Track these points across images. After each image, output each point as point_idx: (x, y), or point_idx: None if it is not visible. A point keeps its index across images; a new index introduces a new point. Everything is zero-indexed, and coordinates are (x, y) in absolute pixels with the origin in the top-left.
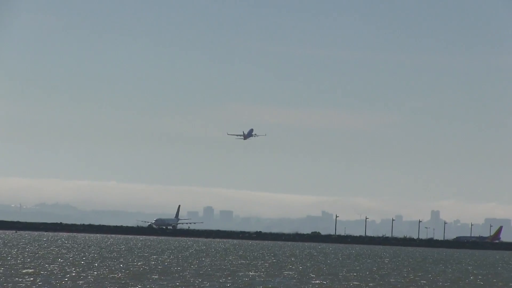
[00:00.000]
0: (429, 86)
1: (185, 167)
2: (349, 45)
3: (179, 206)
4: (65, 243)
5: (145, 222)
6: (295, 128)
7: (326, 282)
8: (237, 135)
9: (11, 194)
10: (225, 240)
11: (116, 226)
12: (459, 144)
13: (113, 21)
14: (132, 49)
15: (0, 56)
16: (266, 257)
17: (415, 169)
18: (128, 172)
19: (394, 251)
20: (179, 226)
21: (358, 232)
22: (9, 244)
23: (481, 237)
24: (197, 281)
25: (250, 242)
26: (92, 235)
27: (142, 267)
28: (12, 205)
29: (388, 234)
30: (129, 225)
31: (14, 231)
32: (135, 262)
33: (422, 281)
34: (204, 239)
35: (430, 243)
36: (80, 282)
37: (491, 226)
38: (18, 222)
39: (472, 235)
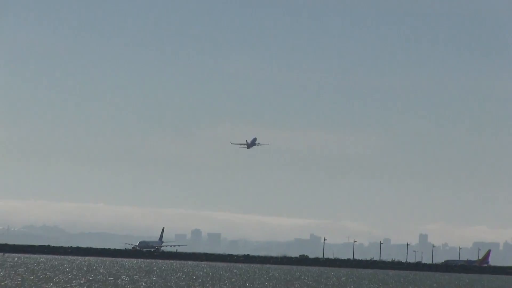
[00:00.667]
0: (416, 109)
1: (173, 190)
2: (336, 67)
3: (163, 228)
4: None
5: (130, 244)
6: (283, 151)
7: None
8: (240, 144)
9: None
10: (213, 263)
11: (104, 248)
12: (447, 167)
13: (99, 42)
14: (120, 70)
15: None
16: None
17: (403, 192)
18: (117, 194)
19: (382, 276)
20: (164, 249)
21: (346, 255)
22: None
23: (469, 261)
24: None
25: (238, 265)
26: (79, 257)
27: None
28: (0, 227)
29: (376, 258)
30: (117, 247)
31: (1, 254)
32: None
33: None
34: (192, 262)
35: (418, 266)
36: None
37: (479, 249)
38: (5, 245)
39: (460, 259)
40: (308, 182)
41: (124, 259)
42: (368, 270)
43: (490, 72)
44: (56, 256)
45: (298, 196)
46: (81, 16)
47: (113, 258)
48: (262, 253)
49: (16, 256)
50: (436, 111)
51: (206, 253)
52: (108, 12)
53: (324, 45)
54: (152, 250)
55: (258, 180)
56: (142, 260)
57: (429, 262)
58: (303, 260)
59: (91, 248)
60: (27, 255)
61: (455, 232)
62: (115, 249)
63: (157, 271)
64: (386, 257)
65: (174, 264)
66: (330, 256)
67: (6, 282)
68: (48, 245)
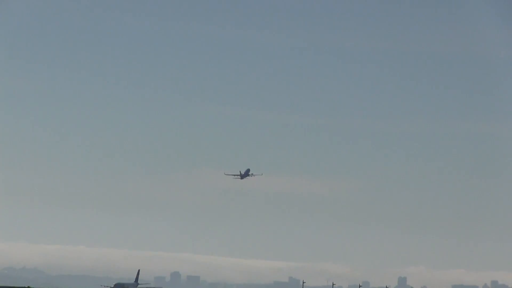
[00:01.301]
0: (395, 153)
1: (152, 232)
2: (314, 111)
3: (139, 270)
4: None
5: (106, 286)
6: (262, 194)
7: None
8: (234, 175)
9: None
10: None
11: None
12: (426, 211)
13: (87, 75)
14: (96, 113)
15: None
16: None
17: (382, 235)
18: (97, 236)
19: None
20: None
21: None
22: None
23: None
24: None
25: None
26: None
27: None
28: None
29: None
30: None
31: None
32: None
33: None
34: None
35: None
36: None
37: None
38: None
39: None
40: (287, 225)
41: None
42: None
43: (464, 119)
44: None
45: (277, 239)
46: (54, 62)
47: None
48: None
49: None
50: (415, 156)
51: None
52: (83, 50)
53: (311, 88)
54: None
55: (237, 223)
56: None
57: None
58: None
59: None
60: None
61: (434, 275)
62: None
63: None
64: None
65: None
66: None
67: None
68: (28, 287)
